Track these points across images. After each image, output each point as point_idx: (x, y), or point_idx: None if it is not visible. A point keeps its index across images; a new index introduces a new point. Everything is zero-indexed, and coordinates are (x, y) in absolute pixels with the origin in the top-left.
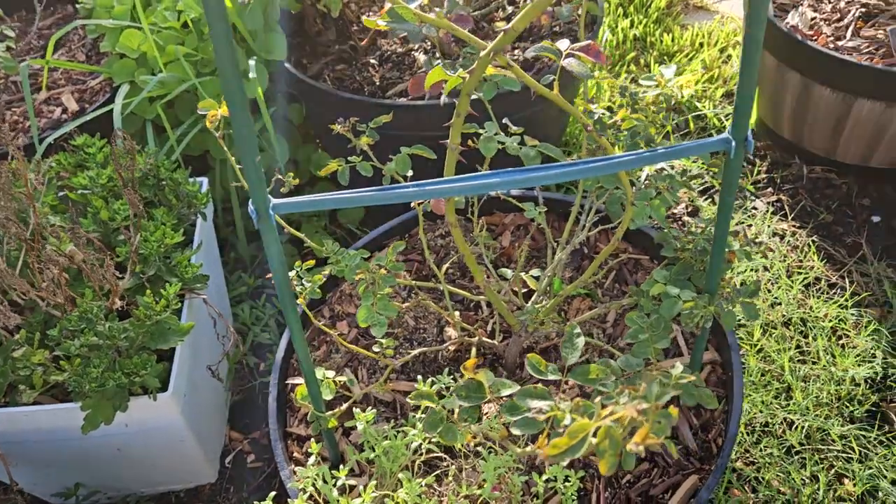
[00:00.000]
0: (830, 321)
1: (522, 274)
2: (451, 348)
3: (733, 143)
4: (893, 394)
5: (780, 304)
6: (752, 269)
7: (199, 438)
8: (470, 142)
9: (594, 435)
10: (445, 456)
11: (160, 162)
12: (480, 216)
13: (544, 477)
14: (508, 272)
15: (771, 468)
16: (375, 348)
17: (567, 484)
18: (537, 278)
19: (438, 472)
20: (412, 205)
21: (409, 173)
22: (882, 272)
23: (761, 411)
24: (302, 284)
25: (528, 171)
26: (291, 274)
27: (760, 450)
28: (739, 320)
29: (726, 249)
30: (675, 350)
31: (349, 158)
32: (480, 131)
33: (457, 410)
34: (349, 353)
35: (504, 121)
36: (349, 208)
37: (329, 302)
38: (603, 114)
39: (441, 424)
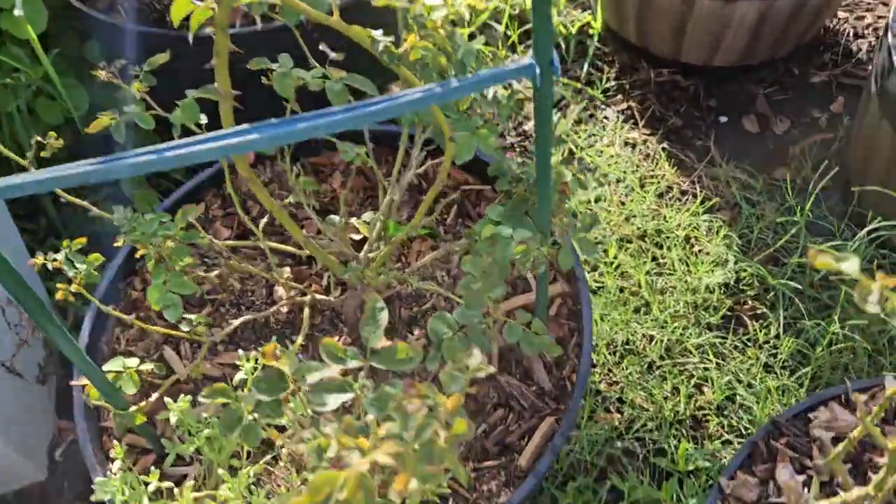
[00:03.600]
0: (684, 230)
1: (354, 220)
2: (284, 310)
3: (538, 70)
4: (746, 296)
5: (634, 216)
6: (603, 185)
7: (10, 441)
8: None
9: (343, 487)
10: (279, 434)
11: None
12: (307, 157)
13: None
14: (337, 218)
15: (633, 387)
16: (184, 327)
17: None
18: (368, 223)
19: (273, 454)
20: None
21: (203, 120)
22: (730, 174)
23: (622, 329)
24: (75, 268)
25: (287, 123)
26: (59, 256)
27: (623, 369)
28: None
29: (560, 181)
30: (525, 285)
31: (126, 109)
32: (273, 66)
33: (254, 405)
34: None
35: (321, 46)
36: None
37: (142, 271)
38: (388, 43)
39: (238, 425)
